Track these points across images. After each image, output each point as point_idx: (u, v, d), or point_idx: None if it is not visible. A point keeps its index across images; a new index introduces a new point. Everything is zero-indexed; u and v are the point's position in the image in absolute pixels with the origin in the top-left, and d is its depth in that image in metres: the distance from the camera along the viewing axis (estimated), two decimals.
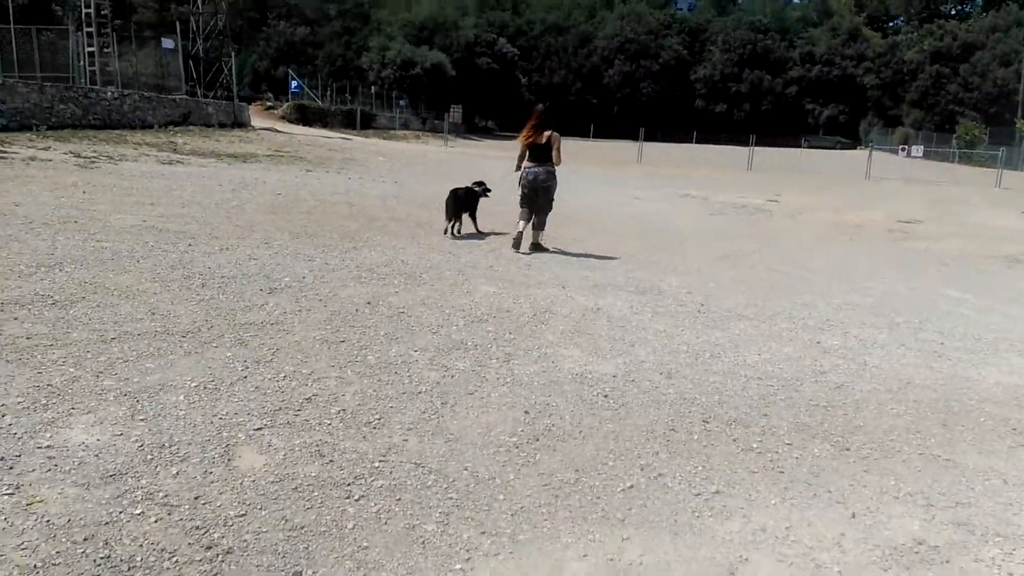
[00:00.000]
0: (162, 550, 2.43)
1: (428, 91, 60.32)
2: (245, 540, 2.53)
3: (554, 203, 8.80)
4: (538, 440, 3.52)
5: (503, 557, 2.57)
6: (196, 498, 2.75)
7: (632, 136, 44.45)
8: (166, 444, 3.14)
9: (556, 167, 8.56)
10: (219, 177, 13.12)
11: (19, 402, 3.40)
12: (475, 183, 9.77)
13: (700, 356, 5.07)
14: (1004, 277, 9.83)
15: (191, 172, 13.52)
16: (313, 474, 3.01)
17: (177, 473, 2.92)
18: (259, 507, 2.73)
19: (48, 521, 2.52)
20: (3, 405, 3.35)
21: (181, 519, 2.61)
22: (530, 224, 8.72)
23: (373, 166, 20.16)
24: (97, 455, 3.00)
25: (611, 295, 6.68)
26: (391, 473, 3.08)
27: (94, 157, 13.54)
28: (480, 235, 9.51)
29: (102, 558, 2.36)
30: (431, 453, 3.29)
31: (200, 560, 2.40)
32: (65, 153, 13.53)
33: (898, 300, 7.58)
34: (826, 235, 13.32)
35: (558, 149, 8.46)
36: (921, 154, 42.95)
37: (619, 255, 8.93)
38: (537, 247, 8.73)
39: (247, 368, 4.10)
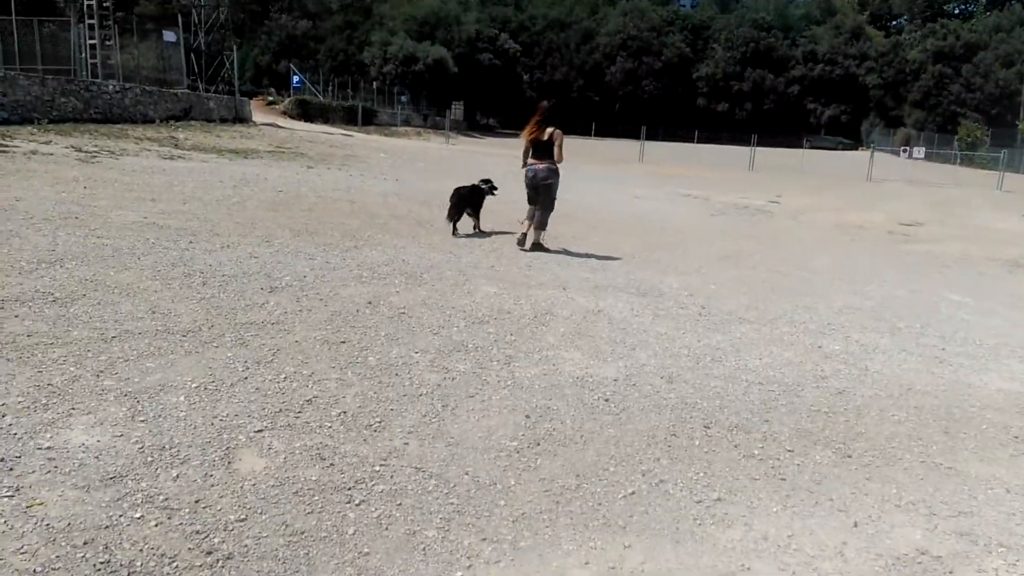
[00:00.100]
0: (162, 555, 2.42)
1: (430, 87, 60.23)
2: (245, 545, 2.52)
3: (555, 202, 8.76)
4: (539, 445, 3.51)
5: (504, 564, 2.57)
6: (196, 501, 2.74)
7: (634, 134, 44.42)
8: (166, 446, 3.13)
9: (558, 165, 8.53)
10: (220, 173, 13.10)
11: (19, 402, 3.39)
12: (482, 181, 9.77)
13: (701, 360, 5.06)
14: (1006, 281, 9.82)
15: (192, 168, 13.50)
16: (314, 478, 3.00)
17: (177, 476, 2.91)
18: (259, 511, 2.72)
19: (48, 524, 2.51)
20: (3, 405, 3.34)
21: (181, 523, 2.60)
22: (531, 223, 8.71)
23: (374, 163, 20.13)
24: (97, 457, 2.99)
25: (612, 297, 6.67)
26: (392, 477, 3.07)
27: (95, 151, 13.51)
28: (481, 234, 9.50)
29: (102, 563, 2.36)
30: (432, 457, 3.28)
31: (200, 565, 2.40)
32: (66, 147, 13.51)
33: (899, 304, 7.56)
34: (827, 236, 13.31)
35: (559, 146, 8.43)
36: (923, 155, 42.96)
37: (620, 255, 8.92)
38: (538, 247, 8.71)
39: (248, 369, 4.08)
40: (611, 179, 22.66)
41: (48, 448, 3.01)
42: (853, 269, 9.64)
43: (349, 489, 2.95)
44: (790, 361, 5.22)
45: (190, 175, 12.25)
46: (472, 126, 68.46)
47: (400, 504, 2.87)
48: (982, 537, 3.00)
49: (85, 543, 2.43)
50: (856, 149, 72.77)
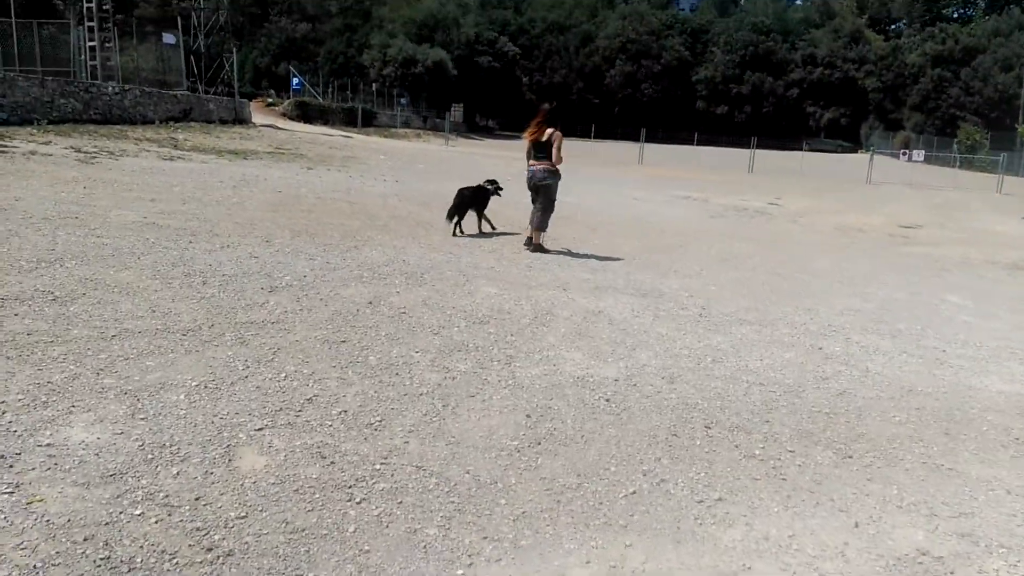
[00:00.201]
0: (162, 551, 2.42)
1: (429, 89, 60.28)
2: (246, 542, 2.51)
3: (555, 203, 8.77)
4: (540, 444, 3.51)
5: (505, 563, 2.56)
6: (197, 499, 2.73)
7: (633, 137, 44.44)
8: (167, 444, 3.12)
9: (557, 166, 8.54)
10: (220, 174, 13.10)
11: (19, 399, 3.38)
12: (487, 181, 9.80)
13: (702, 361, 5.06)
14: (1006, 284, 9.83)
15: (192, 168, 13.49)
16: (314, 476, 3.00)
17: (178, 473, 2.90)
18: (260, 509, 2.72)
19: (48, 521, 2.51)
20: (3, 402, 3.33)
21: (182, 520, 2.59)
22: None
23: (374, 164, 20.13)
24: (97, 454, 2.98)
25: (612, 297, 6.66)
26: (392, 476, 3.07)
27: (95, 152, 13.51)
28: (482, 234, 9.51)
29: (102, 559, 2.35)
30: (432, 456, 3.28)
31: (201, 562, 2.39)
32: (66, 148, 13.50)
33: (900, 306, 7.57)
34: (827, 239, 13.31)
35: (557, 148, 8.44)
36: (922, 158, 42.99)
37: (620, 256, 8.92)
38: (538, 248, 8.71)
39: (248, 367, 4.08)
40: (611, 181, 22.67)
41: (48, 445, 3.01)
42: (853, 271, 9.64)
43: (350, 487, 2.94)
44: (791, 362, 5.21)
45: (190, 176, 12.24)
46: (471, 128, 68.49)
47: (401, 502, 2.87)
48: (983, 538, 3.00)
49: (85, 539, 2.43)
50: (855, 152, 72.82)
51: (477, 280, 6.82)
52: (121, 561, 2.35)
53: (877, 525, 3.03)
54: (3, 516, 2.51)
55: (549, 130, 8.44)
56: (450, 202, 9.39)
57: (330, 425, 3.48)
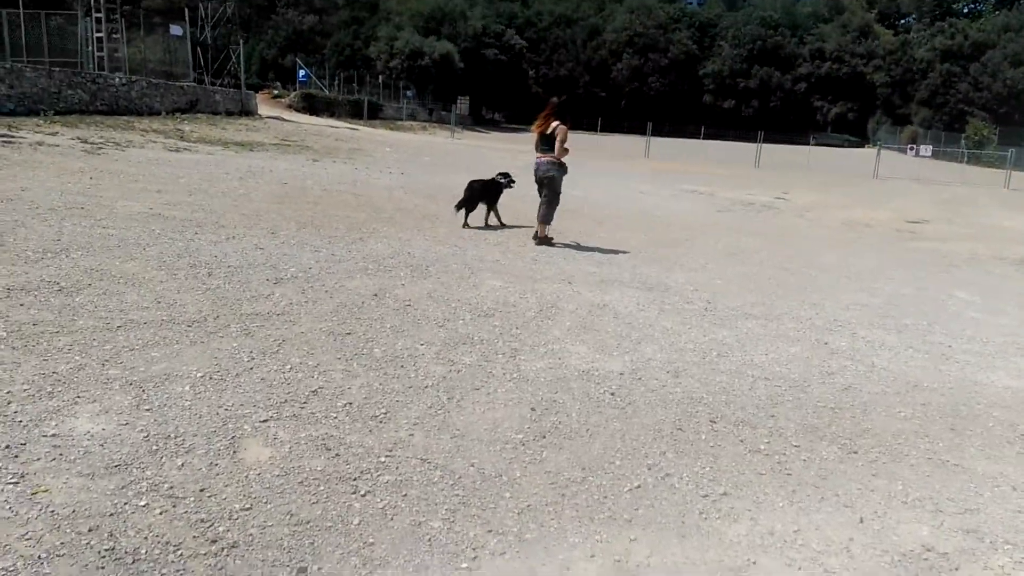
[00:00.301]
0: (167, 543, 2.42)
1: (435, 82, 60.22)
2: (250, 534, 2.51)
3: (560, 196, 8.77)
4: (545, 438, 3.50)
5: (509, 556, 2.56)
6: (201, 490, 2.74)
7: (639, 131, 44.34)
8: (171, 435, 3.13)
9: (562, 159, 8.55)
10: (226, 165, 13.10)
11: (25, 390, 3.39)
12: (500, 174, 9.87)
13: (707, 355, 5.05)
14: (1014, 280, 9.77)
15: (198, 160, 13.50)
16: (319, 468, 3.00)
17: (182, 465, 2.90)
18: (264, 501, 2.72)
19: (52, 511, 2.51)
20: (9, 392, 3.34)
21: (186, 511, 2.60)
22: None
23: (380, 156, 20.11)
24: (102, 445, 2.98)
25: (617, 291, 6.65)
26: (397, 468, 3.06)
27: (101, 143, 13.52)
28: (488, 227, 9.51)
29: (107, 550, 2.35)
30: (437, 449, 3.27)
31: (205, 554, 2.39)
32: (72, 139, 13.52)
33: (906, 301, 7.53)
34: (834, 233, 13.26)
35: (560, 141, 8.45)
36: (930, 153, 42.81)
37: (625, 250, 8.90)
38: (544, 241, 8.70)
39: (253, 359, 4.08)
40: (617, 175, 22.61)
41: (53, 436, 3.01)
42: (860, 266, 9.60)
43: (355, 480, 2.94)
44: (796, 357, 5.19)
45: (195, 167, 12.25)
46: (478, 121, 68.41)
47: (406, 495, 2.87)
48: (988, 534, 2.98)
49: (90, 530, 2.43)
50: (862, 147, 72.59)
51: (482, 273, 6.81)
52: (126, 552, 2.35)
53: (882, 521, 3.01)
54: (8, 506, 2.52)
55: (554, 123, 8.47)
56: (458, 195, 9.42)
57: (335, 417, 3.48)
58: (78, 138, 13.68)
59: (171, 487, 2.74)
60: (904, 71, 78.72)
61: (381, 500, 2.81)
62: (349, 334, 4.68)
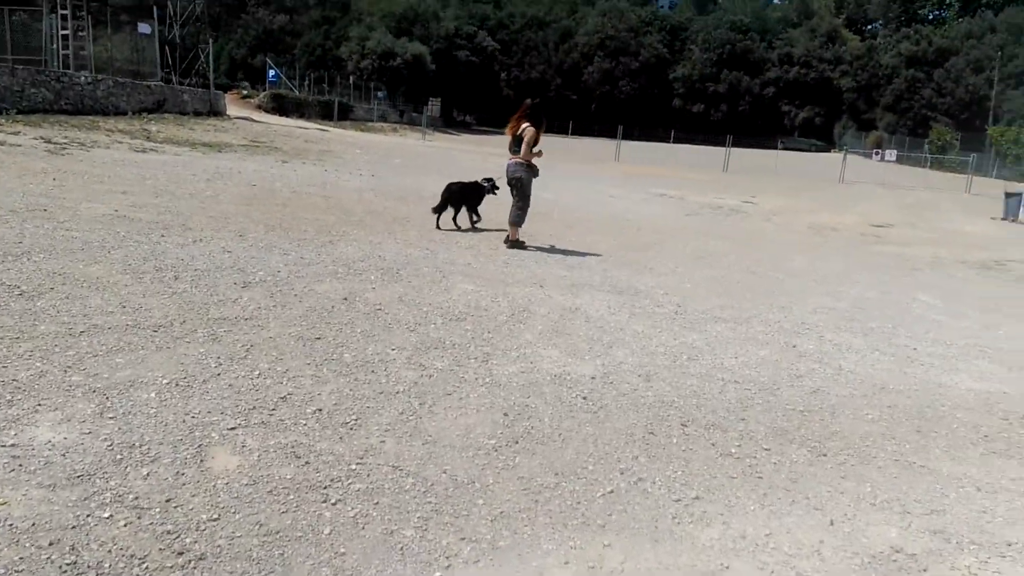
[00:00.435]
0: (131, 556, 2.36)
1: (407, 83, 59.96)
2: (218, 545, 2.46)
3: (530, 199, 8.78)
4: (517, 443, 3.49)
5: (483, 564, 2.54)
6: (167, 501, 2.68)
7: (610, 134, 44.55)
8: (136, 443, 3.06)
9: (527, 160, 8.56)
10: (193, 166, 12.92)
11: None
12: (484, 179, 9.94)
13: (678, 358, 5.07)
14: (975, 283, 9.97)
15: (165, 161, 13.30)
16: (288, 476, 2.95)
17: (148, 474, 2.84)
18: (233, 511, 2.67)
19: (11, 524, 2.44)
20: None
21: (152, 523, 2.54)
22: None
23: (350, 158, 19.97)
24: (64, 454, 2.91)
25: (588, 295, 6.66)
26: (368, 476, 3.03)
27: (65, 143, 13.26)
28: (461, 229, 9.54)
29: (68, 564, 2.29)
30: (409, 455, 3.24)
31: (171, 567, 2.34)
32: (35, 138, 13.24)
33: (871, 304, 7.64)
34: (801, 237, 13.43)
35: (527, 143, 8.46)
36: (895, 158, 43.57)
37: (596, 253, 8.92)
38: (515, 244, 8.70)
39: (220, 365, 4.01)
40: (587, 178, 22.70)
41: (12, 446, 2.93)
42: (826, 270, 9.74)
43: (325, 488, 2.90)
44: (765, 360, 5.24)
45: (162, 168, 12.06)
46: (449, 123, 68.25)
47: (377, 503, 2.83)
48: (955, 535, 3.03)
49: (51, 544, 2.36)
50: (829, 151, 73.61)
51: (454, 276, 6.79)
52: (88, 566, 2.29)
53: (852, 523, 3.05)
54: None
55: (524, 125, 8.49)
56: (428, 197, 9.43)
57: (305, 424, 3.43)
58: (41, 138, 13.40)
59: (136, 498, 2.68)
60: (870, 76, 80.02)
61: (352, 509, 2.78)
62: (319, 339, 4.63)
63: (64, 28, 21.96)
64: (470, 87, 69.84)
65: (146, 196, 9.08)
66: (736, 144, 39.81)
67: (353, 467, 3.09)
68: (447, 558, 2.55)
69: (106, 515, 2.55)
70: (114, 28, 26.45)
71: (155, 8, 29.15)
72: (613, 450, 3.52)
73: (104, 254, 6.01)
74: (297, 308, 5.22)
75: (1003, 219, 19.70)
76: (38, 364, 3.73)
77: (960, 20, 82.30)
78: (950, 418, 4.45)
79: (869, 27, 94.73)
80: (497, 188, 9.90)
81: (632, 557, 2.66)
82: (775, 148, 50.19)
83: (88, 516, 2.53)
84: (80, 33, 22.59)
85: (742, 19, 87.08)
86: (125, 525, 2.51)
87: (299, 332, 4.71)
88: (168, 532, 2.50)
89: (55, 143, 13.03)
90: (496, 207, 10.35)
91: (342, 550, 2.53)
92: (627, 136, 38.87)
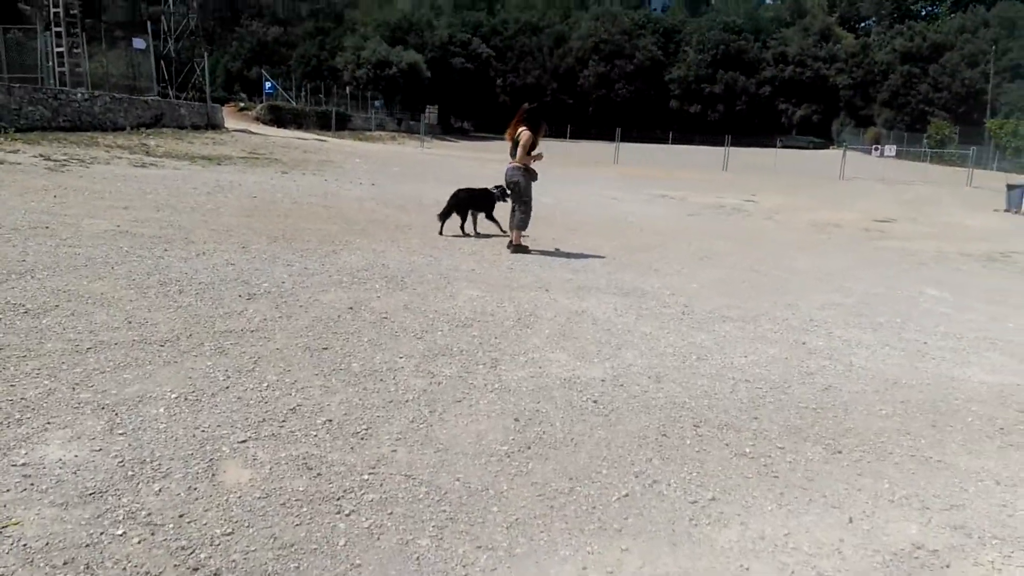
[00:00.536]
0: (146, 573, 2.33)
1: (403, 91, 60.10)
2: (233, 560, 2.43)
3: (530, 203, 8.76)
4: (530, 448, 3.46)
5: (500, 572, 2.50)
6: (180, 516, 2.65)
7: (608, 137, 44.60)
8: (147, 459, 3.03)
9: (524, 164, 8.57)
10: (193, 180, 12.92)
11: None
12: (495, 186, 9.89)
13: (687, 359, 5.04)
14: (980, 276, 9.94)
15: (165, 175, 13.30)
16: (301, 488, 2.92)
17: (160, 490, 2.81)
18: (246, 524, 2.64)
19: (25, 544, 2.41)
20: None
21: (166, 539, 2.51)
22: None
23: (349, 168, 19.98)
24: (75, 472, 2.88)
25: (595, 297, 6.63)
26: (381, 486, 3.00)
27: (65, 160, 13.26)
28: (466, 235, 9.60)
29: None
30: (421, 464, 3.21)
31: None
32: (34, 156, 13.25)
33: (878, 300, 7.61)
34: (803, 235, 13.41)
35: (522, 146, 8.48)
36: (894, 154, 43.58)
37: (600, 256, 8.90)
38: (519, 248, 8.68)
39: (228, 378, 3.99)
40: (587, 182, 22.69)
41: (23, 465, 2.91)
42: (830, 267, 9.70)
43: (338, 499, 2.87)
44: (775, 358, 5.21)
45: (163, 182, 12.06)
46: (446, 130, 68.38)
47: (391, 513, 2.80)
48: (976, 530, 2.99)
49: (65, 563, 2.34)
50: (827, 148, 73.70)
51: (459, 283, 6.76)
52: None
53: (871, 520, 3.01)
54: None
55: (521, 129, 8.51)
56: (429, 204, 9.44)
57: (315, 435, 3.40)
58: (41, 155, 13.41)
59: (149, 514, 2.65)
60: (866, 73, 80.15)
61: (366, 519, 2.75)
62: (326, 349, 4.60)
63: (59, 46, 22.02)
64: (466, 94, 70.01)
65: (147, 211, 9.06)
66: (734, 144, 39.85)
67: (365, 477, 3.06)
68: (464, 567, 2.52)
69: (119, 532, 2.52)
70: (109, 44, 26.58)
71: (149, 23, 29.25)
72: (626, 453, 3.49)
73: (108, 270, 6.00)
74: (303, 319, 5.19)
75: (1006, 211, 19.67)
76: (46, 382, 3.71)
77: (953, 15, 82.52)
78: (965, 411, 4.41)
79: (862, 24, 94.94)
80: (508, 194, 9.91)
81: (650, 561, 2.63)
82: (774, 147, 50.18)
83: (102, 534, 2.50)
84: (75, 50, 22.65)
85: (735, 20, 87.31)
86: (139, 542, 2.48)
87: (306, 343, 4.68)
88: (182, 548, 2.47)
89: (55, 160, 13.04)
90: (501, 213, 10.33)
91: (357, 561, 2.49)
92: (625, 138, 38.89)
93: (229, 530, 2.59)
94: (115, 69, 25.84)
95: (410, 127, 57.43)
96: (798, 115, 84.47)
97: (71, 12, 22.64)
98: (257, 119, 38.76)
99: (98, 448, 3.09)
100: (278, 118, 39.94)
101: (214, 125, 28.67)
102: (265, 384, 3.95)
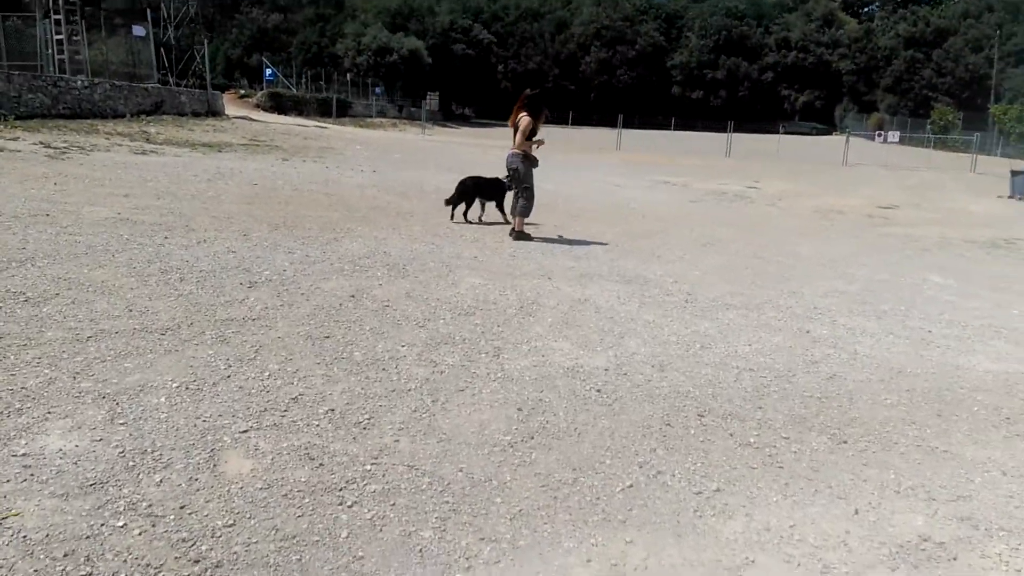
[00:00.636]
0: (147, 565, 2.31)
1: (404, 78, 59.86)
2: (235, 552, 2.41)
3: (531, 189, 8.71)
4: (533, 438, 3.43)
5: (504, 565, 2.48)
6: (182, 507, 2.63)
7: (610, 123, 44.42)
8: (148, 450, 3.01)
9: (523, 150, 8.54)
10: (194, 167, 12.86)
11: None
12: (505, 176, 9.87)
13: (691, 347, 5.01)
14: (985, 263, 9.89)
15: (165, 162, 13.24)
16: (303, 479, 2.90)
17: (161, 481, 2.79)
18: (248, 516, 2.62)
19: (25, 536, 2.39)
20: None
21: (167, 531, 2.49)
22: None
23: (350, 155, 19.90)
24: (76, 463, 2.86)
25: (597, 285, 6.60)
26: (384, 476, 2.98)
27: (65, 148, 13.21)
28: (471, 222, 9.61)
29: (83, 575, 2.24)
30: (424, 454, 3.19)
31: (188, 575, 2.29)
32: (34, 144, 13.19)
33: (882, 287, 7.57)
34: (807, 221, 13.34)
35: (521, 132, 8.45)
36: (897, 139, 43.41)
37: (602, 243, 8.86)
38: (521, 235, 8.64)
39: (230, 367, 3.96)
40: (589, 168, 22.60)
41: (24, 455, 2.89)
42: (834, 253, 9.66)
43: (340, 490, 2.85)
44: (779, 346, 5.18)
45: (163, 170, 12.01)
46: (447, 116, 68.14)
47: (394, 504, 2.78)
48: (983, 521, 2.97)
49: (65, 555, 2.32)
50: (830, 134, 73.44)
51: (461, 270, 6.73)
52: None
53: (877, 511, 2.99)
54: None
55: (521, 115, 8.48)
56: (431, 192, 9.43)
57: (317, 425, 3.38)
58: (41, 143, 13.35)
59: (150, 505, 2.63)
60: (869, 58, 79.71)
61: (369, 511, 2.72)
62: (328, 337, 4.58)
63: (58, 33, 21.88)
64: (467, 80, 69.76)
65: (148, 198, 9.02)
66: (737, 130, 39.69)
67: (368, 468, 3.03)
68: (467, 559, 2.50)
69: (120, 524, 2.50)
70: (109, 31, 26.41)
71: (149, 11, 29.09)
72: (630, 443, 3.47)
73: (108, 258, 5.97)
74: (304, 307, 5.17)
75: (1009, 198, 19.58)
76: (46, 371, 3.68)
77: (956, 1, 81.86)
78: (970, 401, 4.38)
79: (866, 9, 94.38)
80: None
81: (655, 553, 2.61)
82: (776, 133, 50.01)
83: (102, 525, 2.48)
84: (75, 37, 22.51)
85: (737, 5, 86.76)
86: (140, 534, 2.46)
87: (308, 331, 4.66)
88: (183, 540, 2.45)
89: (55, 148, 12.98)
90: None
91: (360, 554, 2.47)
92: (627, 125, 38.74)
93: (231, 522, 2.57)
94: (115, 56, 25.71)
95: (411, 114, 57.22)
96: (801, 101, 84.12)
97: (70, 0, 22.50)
98: (257, 106, 38.63)
99: (99, 438, 3.07)
100: (278, 105, 39.80)
101: (214, 112, 28.56)
102: (267, 373, 3.93)
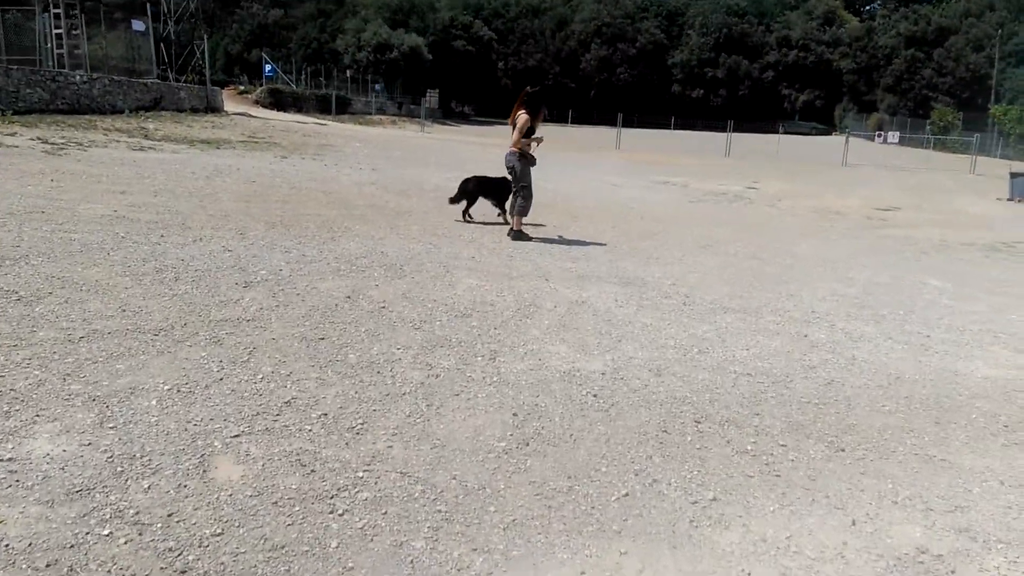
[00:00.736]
0: (132, 575, 2.27)
1: (404, 75, 59.74)
2: (222, 563, 2.37)
3: (528, 188, 8.65)
4: (528, 445, 3.39)
5: None
6: (169, 515, 2.59)
7: (610, 121, 44.36)
8: (137, 455, 2.97)
9: (520, 148, 8.50)
10: (192, 164, 12.81)
11: None
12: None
13: (688, 352, 4.97)
14: (984, 266, 9.86)
15: (163, 159, 13.18)
16: (294, 486, 2.86)
17: (149, 487, 2.75)
18: (237, 524, 2.58)
19: (7, 545, 2.35)
20: None
21: (153, 540, 2.45)
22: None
23: (349, 152, 19.85)
24: (63, 468, 2.82)
25: (595, 287, 6.56)
26: (376, 484, 2.94)
27: (62, 143, 13.15)
28: (473, 222, 9.57)
29: None
30: (417, 461, 3.15)
31: None
32: (32, 139, 13.13)
33: (881, 290, 7.54)
34: (806, 222, 13.31)
35: (518, 130, 8.41)
36: (897, 140, 43.37)
37: (601, 243, 8.83)
38: (519, 235, 8.60)
39: (223, 369, 3.92)
40: (589, 167, 22.55)
41: (9, 460, 2.84)
42: (833, 255, 9.62)
43: (331, 498, 2.81)
44: (777, 351, 5.14)
45: (161, 166, 11.96)
46: (447, 114, 68.02)
47: (386, 513, 2.74)
48: (981, 533, 2.93)
49: (48, 565, 2.28)
50: (830, 134, 73.41)
51: (458, 271, 6.69)
52: None
53: (874, 523, 2.95)
54: None
55: (519, 112, 8.44)
56: (431, 191, 9.42)
57: (309, 430, 3.34)
58: (38, 138, 13.30)
59: (137, 513, 2.59)
60: (869, 58, 79.62)
61: (360, 520, 2.69)
62: (322, 339, 4.54)
63: (58, 27, 21.77)
64: (468, 77, 69.62)
65: (145, 195, 8.97)
66: (737, 129, 39.63)
67: (360, 475, 3.00)
68: (459, 571, 2.46)
69: (106, 532, 2.46)
70: (108, 26, 26.27)
71: (148, 5, 28.95)
72: (626, 450, 3.43)
73: (103, 256, 5.92)
74: (300, 307, 5.13)
75: (1009, 200, 19.54)
76: (36, 372, 3.64)
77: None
78: (968, 408, 4.35)
79: (867, 8, 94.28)
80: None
81: (650, 565, 2.57)
82: (776, 132, 49.95)
83: (87, 534, 2.44)
84: (74, 32, 22.40)
85: (738, 3, 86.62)
86: (125, 543, 2.42)
87: (302, 333, 4.61)
88: (170, 549, 2.41)
89: (52, 143, 12.93)
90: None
91: (350, 564, 2.44)
92: (627, 123, 38.68)
93: (219, 530, 2.53)
94: (114, 51, 25.60)
95: (411, 111, 57.12)
96: (801, 100, 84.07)
97: None
98: (257, 102, 38.51)
99: (87, 442, 3.03)
100: (278, 101, 39.69)
101: (214, 108, 28.48)
102: (260, 376, 3.89)
